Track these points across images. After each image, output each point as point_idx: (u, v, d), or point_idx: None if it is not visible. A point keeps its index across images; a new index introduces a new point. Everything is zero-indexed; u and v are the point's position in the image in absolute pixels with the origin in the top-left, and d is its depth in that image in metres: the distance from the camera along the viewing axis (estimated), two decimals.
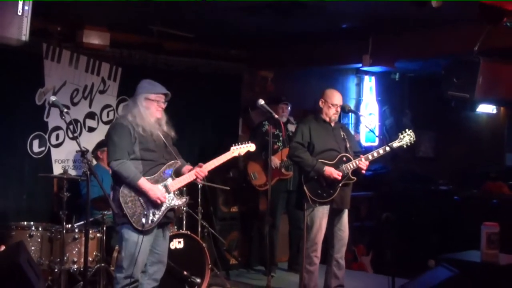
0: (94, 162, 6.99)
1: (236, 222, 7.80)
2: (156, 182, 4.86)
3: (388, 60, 7.29)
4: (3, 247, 5.82)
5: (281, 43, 7.85)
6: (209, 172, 6.95)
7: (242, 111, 8.58)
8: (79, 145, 4.42)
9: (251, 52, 8.34)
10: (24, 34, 3.44)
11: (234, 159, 8.24)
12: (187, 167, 5.12)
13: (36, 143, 6.80)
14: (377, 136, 6.42)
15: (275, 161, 7.35)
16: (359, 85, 9.76)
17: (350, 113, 6.32)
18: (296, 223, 7.53)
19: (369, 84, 9.75)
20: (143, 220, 4.76)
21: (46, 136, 6.87)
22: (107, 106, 7.35)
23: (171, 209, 4.95)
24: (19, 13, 3.40)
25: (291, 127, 7.56)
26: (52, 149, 6.91)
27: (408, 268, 7.96)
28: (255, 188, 7.59)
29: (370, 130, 5.96)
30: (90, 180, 6.23)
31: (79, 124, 7.09)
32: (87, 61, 7.15)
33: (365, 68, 7.90)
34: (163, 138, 4.96)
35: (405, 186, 9.73)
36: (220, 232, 7.19)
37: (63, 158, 6.98)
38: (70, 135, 6.98)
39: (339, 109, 6.03)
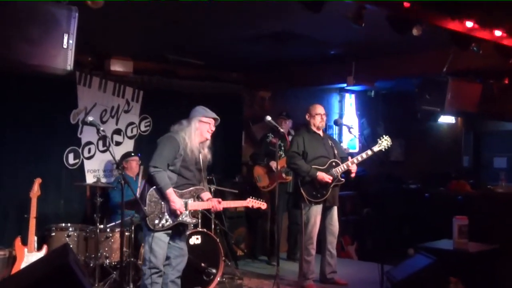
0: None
1: (242, 219, 7.69)
2: (181, 196, 4.77)
3: (369, 80, 7.22)
4: (45, 247, 5.72)
5: (276, 67, 7.75)
6: (218, 177, 6.95)
7: (244, 126, 8.48)
8: (114, 158, 4.31)
9: (250, 75, 8.24)
10: (69, 64, 3.32)
11: (241, 164, 8.34)
12: (206, 193, 5.04)
13: (71, 156, 6.67)
14: (359, 143, 6.37)
15: (274, 164, 7.30)
16: (341, 101, 9.69)
17: (340, 125, 6.22)
18: (294, 220, 7.46)
19: (350, 100, 9.68)
20: (156, 221, 4.68)
21: (80, 150, 6.74)
22: (131, 123, 7.23)
23: (181, 224, 4.85)
24: (65, 46, 3.28)
25: (287, 139, 7.48)
26: (85, 161, 6.78)
27: (386, 255, 7.92)
28: (259, 189, 7.50)
29: (355, 137, 5.88)
30: (115, 188, 6.26)
31: (107, 139, 6.91)
32: (114, 86, 7.02)
33: (349, 87, 7.81)
34: (201, 161, 4.85)
35: (381, 186, 9.67)
36: (228, 228, 7.06)
37: (94, 169, 6.85)
38: (101, 149, 6.88)
39: (324, 117, 6.02)
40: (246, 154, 8.34)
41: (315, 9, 3.51)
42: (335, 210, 6.08)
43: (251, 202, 5.21)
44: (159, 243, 4.71)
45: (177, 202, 4.70)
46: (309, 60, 7.21)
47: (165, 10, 4.91)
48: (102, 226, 5.91)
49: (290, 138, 7.51)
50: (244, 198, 7.46)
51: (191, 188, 4.86)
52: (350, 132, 6.06)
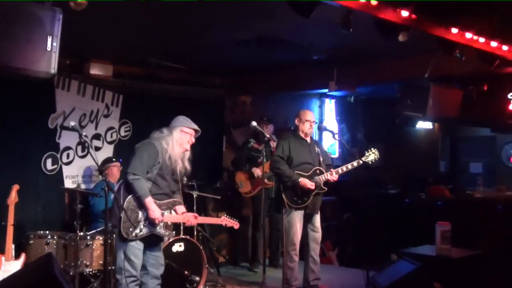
0: (100, 177, 6.73)
1: (223, 226, 7.56)
2: (158, 207, 4.65)
3: (350, 86, 7.21)
4: (23, 255, 5.55)
5: (258, 72, 7.70)
6: (200, 183, 6.85)
7: (225, 131, 8.40)
8: (96, 162, 4.22)
9: (232, 80, 8.17)
10: (53, 67, 3.21)
11: (222, 170, 8.25)
12: (181, 207, 4.91)
13: (49, 161, 6.51)
14: (348, 149, 6.28)
15: (257, 171, 7.23)
16: (321, 107, 9.67)
17: (324, 131, 6.19)
18: (275, 225, 7.41)
19: (330, 106, 9.68)
20: (130, 229, 4.54)
21: (58, 155, 6.57)
22: (110, 128, 7.09)
23: (155, 235, 4.73)
24: (48, 49, 3.16)
25: (273, 144, 7.41)
26: (64, 166, 6.62)
27: (368, 260, 7.92)
28: (240, 195, 7.43)
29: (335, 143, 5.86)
30: (100, 195, 6.10)
31: (86, 144, 6.77)
32: (93, 90, 6.88)
33: (331, 93, 7.79)
34: (178, 173, 4.75)
35: (360, 191, 9.66)
36: (210, 234, 6.94)
37: (73, 174, 6.69)
38: (80, 154, 6.74)
39: (313, 124, 5.94)
40: (227, 159, 8.26)
41: (305, 13, 3.46)
42: (317, 216, 6.03)
43: (225, 221, 5.13)
44: (134, 251, 4.59)
45: (156, 211, 4.59)
46: (291, 65, 7.18)
47: (147, 13, 4.82)
48: (82, 233, 5.75)
49: (272, 143, 7.48)
50: (225, 202, 7.54)
51: (168, 200, 4.77)
52: (334, 138, 6.02)
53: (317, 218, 6.02)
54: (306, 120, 5.91)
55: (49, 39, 3.15)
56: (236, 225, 5.11)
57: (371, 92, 9.58)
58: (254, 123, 5.52)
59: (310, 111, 6.06)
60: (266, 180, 7.24)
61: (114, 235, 5.63)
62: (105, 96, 6.99)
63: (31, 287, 2.60)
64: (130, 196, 4.55)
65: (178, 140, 4.73)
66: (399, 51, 6.34)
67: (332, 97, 9.55)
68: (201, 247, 5.82)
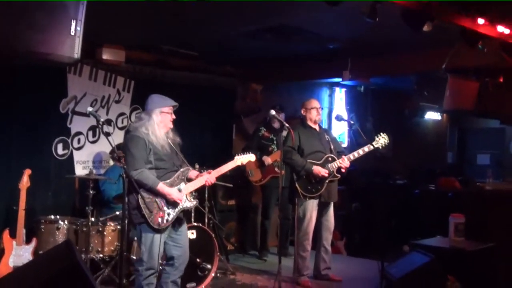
0: (112, 162, 6.70)
1: (233, 213, 7.57)
2: (171, 186, 4.58)
3: (364, 76, 7.14)
4: (34, 240, 5.53)
5: (270, 61, 7.60)
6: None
7: (236, 119, 8.34)
8: (113, 146, 4.12)
9: (244, 69, 8.09)
10: (76, 52, 3.15)
11: (232, 158, 8.18)
12: (193, 172, 4.82)
13: (60, 146, 6.44)
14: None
15: (268, 160, 7.19)
16: (331, 96, 9.61)
17: (342, 121, 6.13)
18: (285, 215, 7.36)
19: (340, 95, 9.61)
20: (159, 220, 4.47)
21: (69, 140, 6.51)
22: (121, 114, 7.02)
23: (183, 210, 4.69)
24: (72, 33, 3.10)
25: (284, 133, 7.34)
26: (74, 151, 6.56)
27: (377, 250, 7.91)
28: (250, 183, 7.39)
29: (361, 134, 5.78)
30: (114, 181, 6.07)
31: (97, 129, 6.75)
32: (105, 75, 6.80)
33: (344, 82, 7.70)
34: (173, 146, 4.68)
35: (368, 181, 9.63)
36: (219, 222, 6.92)
37: (84, 160, 6.64)
38: (91, 139, 6.69)
39: (319, 111, 5.93)
40: (236, 147, 8.19)
41: (333, 2, 3.39)
42: (331, 206, 6.01)
43: (239, 160, 4.97)
44: (157, 243, 4.52)
45: (173, 193, 4.53)
46: (304, 55, 7.09)
47: (160, 3, 4.75)
48: (93, 219, 5.72)
49: (283, 132, 7.43)
50: (235, 190, 7.47)
51: (177, 173, 4.65)
52: (351, 127, 5.97)
53: (331, 207, 6.01)
54: (312, 108, 5.89)
55: (73, 23, 3.08)
56: (252, 157, 4.99)
57: (382, 82, 9.51)
58: (272, 112, 5.46)
59: (314, 99, 6.03)
60: (276, 169, 7.22)
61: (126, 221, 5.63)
62: (116, 82, 6.92)
63: (54, 276, 2.56)
64: (140, 191, 4.42)
65: (160, 124, 4.61)
66: (415, 43, 6.28)
67: (342, 86, 9.48)
68: (213, 235, 5.79)
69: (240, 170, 7.74)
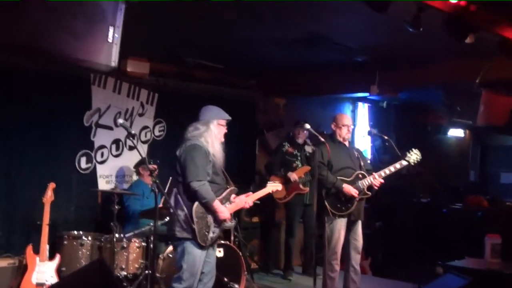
0: (135, 177, 6.55)
1: (256, 230, 7.38)
2: (221, 203, 4.43)
3: (393, 90, 6.97)
4: (58, 256, 5.37)
5: (294, 74, 7.46)
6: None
7: (259, 133, 8.18)
8: (145, 160, 3.98)
9: (266, 82, 7.95)
10: (114, 60, 3.01)
11: (255, 174, 8.04)
12: (232, 195, 4.67)
13: (83, 160, 6.32)
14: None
15: (294, 176, 7.00)
16: (354, 111, 9.45)
17: (374, 136, 5.95)
18: (310, 233, 7.15)
19: (363, 111, 9.44)
20: (206, 236, 4.32)
21: (93, 154, 6.38)
22: (145, 127, 6.90)
23: (224, 229, 4.60)
24: (110, 40, 2.96)
25: (308, 148, 7.20)
26: (98, 165, 6.43)
27: (401, 270, 7.67)
28: (273, 200, 7.18)
29: (395, 150, 5.60)
30: (136, 194, 5.91)
31: (120, 143, 6.62)
32: (129, 87, 6.70)
33: (370, 97, 7.54)
34: (220, 162, 4.54)
35: (391, 199, 9.41)
36: (243, 240, 6.73)
37: (107, 174, 6.51)
38: (114, 153, 6.56)
39: (350, 129, 5.72)
40: (259, 162, 8.03)
41: (380, 9, 3.24)
42: (359, 224, 5.80)
43: (270, 187, 5.00)
44: (199, 262, 4.35)
45: (224, 212, 4.38)
46: (330, 68, 6.94)
47: (187, 10, 4.63)
48: (117, 235, 5.54)
49: (307, 147, 7.25)
50: (259, 207, 7.26)
51: (226, 192, 4.54)
52: (385, 143, 5.78)
53: (359, 226, 5.79)
54: (343, 125, 5.68)
55: (111, 30, 2.96)
56: (279, 186, 5.04)
57: (404, 98, 9.34)
58: (307, 126, 5.28)
59: (347, 115, 5.86)
60: (301, 186, 7.04)
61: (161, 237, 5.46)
62: (140, 94, 6.81)
63: None
64: (196, 204, 4.28)
65: (217, 135, 4.48)
66: (445, 55, 6.13)
67: (365, 101, 9.33)
68: (240, 254, 5.60)
69: (262, 186, 7.59)
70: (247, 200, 4.65)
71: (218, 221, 4.39)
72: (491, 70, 5.84)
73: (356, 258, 5.83)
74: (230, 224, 4.56)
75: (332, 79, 7.23)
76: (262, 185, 7.71)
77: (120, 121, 4.05)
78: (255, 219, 7.33)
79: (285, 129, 8.14)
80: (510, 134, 7.34)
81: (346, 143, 5.82)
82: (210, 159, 4.39)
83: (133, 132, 4.00)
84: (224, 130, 4.54)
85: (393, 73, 6.73)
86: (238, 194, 4.72)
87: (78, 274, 3.19)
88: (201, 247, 4.29)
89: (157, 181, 3.91)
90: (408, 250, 8.83)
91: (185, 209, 4.26)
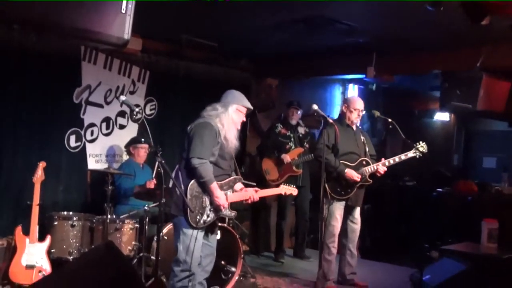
0: (126, 156, 6.35)
1: (247, 212, 7.27)
2: (220, 188, 4.29)
3: (389, 73, 6.86)
4: (49, 237, 5.17)
5: (288, 55, 7.28)
6: None
7: (250, 115, 7.99)
8: (150, 144, 3.77)
9: (260, 63, 7.77)
10: (127, 33, 2.82)
11: (245, 156, 7.88)
12: (238, 184, 4.54)
13: (73, 138, 6.09)
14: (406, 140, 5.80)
15: (287, 158, 6.88)
16: (344, 93, 9.35)
17: (376, 119, 5.85)
18: (302, 215, 7.09)
19: (353, 93, 9.34)
20: (198, 217, 4.18)
21: (82, 132, 6.15)
22: (136, 105, 6.53)
23: (220, 217, 4.44)
24: (123, 11, 2.77)
25: (301, 130, 7.09)
26: (87, 144, 6.20)
27: (388, 253, 7.65)
28: (265, 182, 7.05)
29: (401, 133, 5.53)
30: (131, 175, 5.72)
31: (111, 121, 6.40)
32: (120, 64, 6.45)
33: (361, 79, 7.41)
34: (232, 150, 4.38)
35: (379, 182, 9.37)
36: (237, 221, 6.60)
37: (97, 153, 6.29)
38: (104, 132, 6.35)
39: (360, 113, 5.62)
40: (250, 144, 7.89)
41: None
42: (357, 210, 5.75)
43: (284, 189, 4.80)
44: (196, 243, 4.22)
45: (221, 197, 4.24)
46: (326, 49, 6.79)
47: None
48: (111, 216, 5.36)
49: (300, 129, 7.13)
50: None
51: (229, 179, 4.41)
52: (389, 126, 5.68)
53: (357, 211, 5.74)
54: (355, 109, 5.58)
55: (124, 1, 2.74)
56: (295, 191, 4.81)
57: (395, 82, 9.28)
58: (315, 106, 5.13)
59: (359, 99, 5.70)
60: (294, 168, 6.92)
61: (154, 219, 5.31)
62: (131, 72, 6.57)
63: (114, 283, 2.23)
64: (192, 182, 4.16)
65: (234, 120, 4.34)
66: (439, 42, 6.05)
67: (355, 83, 9.23)
68: (238, 237, 5.47)
69: (256, 169, 7.47)
70: (254, 195, 4.49)
71: (215, 206, 4.24)
72: (491, 56, 5.79)
73: (353, 242, 5.81)
74: (228, 213, 4.42)
75: (328, 61, 7.10)
76: (253, 166, 7.70)
77: (123, 98, 3.86)
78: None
79: (276, 111, 8.01)
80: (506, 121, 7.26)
81: (354, 127, 5.72)
82: (219, 141, 4.25)
83: (136, 110, 3.80)
84: (243, 117, 4.39)
85: (390, 57, 6.62)
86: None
87: (86, 258, 3.01)
88: (191, 227, 4.15)
89: (163, 161, 3.73)
90: (396, 234, 8.84)
91: (182, 185, 4.11)
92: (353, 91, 9.33)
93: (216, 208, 4.25)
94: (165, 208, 4.36)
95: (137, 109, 3.82)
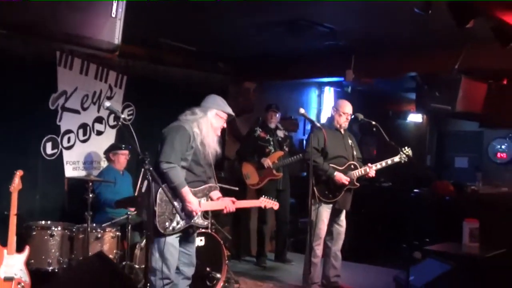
0: (104, 163, 6.21)
1: (228, 218, 7.13)
2: (194, 194, 4.20)
3: (368, 76, 6.89)
4: (27, 248, 4.99)
5: (266, 58, 7.25)
6: None
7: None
8: (138, 151, 3.66)
9: (236, 66, 7.71)
10: (117, 37, 2.73)
11: (224, 161, 7.78)
12: (216, 192, 4.47)
13: (49, 145, 5.90)
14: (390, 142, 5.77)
15: (267, 161, 6.84)
16: (320, 96, 9.37)
17: (361, 122, 5.85)
18: (283, 219, 7.06)
19: (329, 95, 9.37)
20: (167, 224, 4.08)
21: (59, 139, 5.98)
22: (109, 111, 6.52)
23: (191, 226, 4.31)
24: (113, 15, 2.68)
25: (280, 133, 7.07)
26: (64, 151, 6.03)
27: (367, 255, 7.66)
28: (245, 186, 7.00)
29: (385, 136, 5.53)
30: (112, 182, 5.59)
31: (88, 128, 6.25)
32: (96, 69, 6.29)
33: (337, 82, 7.42)
34: (211, 156, 4.29)
35: None
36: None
37: (74, 160, 6.12)
38: (81, 138, 6.19)
39: (349, 118, 5.64)
40: (229, 148, 7.80)
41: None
42: (343, 213, 5.78)
43: (264, 202, 4.72)
44: (171, 250, 4.13)
45: (193, 203, 4.15)
46: (306, 52, 6.79)
47: None
48: (89, 225, 5.21)
49: (279, 132, 7.11)
50: (230, 194, 7.04)
51: (204, 186, 4.33)
52: (373, 129, 5.68)
53: (343, 214, 5.77)
54: (344, 113, 5.62)
55: (114, 3, 2.67)
56: (275, 205, 4.74)
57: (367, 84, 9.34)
58: (302, 110, 5.10)
59: (348, 103, 5.73)
60: (274, 171, 6.89)
61: (137, 227, 5.21)
62: (108, 77, 6.43)
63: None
64: (163, 186, 4.02)
65: (213, 125, 4.27)
66: (418, 44, 6.10)
67: (331, 85, 9.26)
68: (222, 242, 5.40)
69: (236, 173, 7.40)
70: (230, 205, 4.38)
71: (186, 212, 4.14)
72: (469, 57, 5.86)
73: (338, 244, 5.81)
74: (201, 222, 4.32)
75: (307, 64, 7.08)
76: (233, 171, 7.62)
77: (107, 103, 3.72)
78: None
79: (254, 114, 7.96)
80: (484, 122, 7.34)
81: (342, 131, 5.74)
82: (193, 146, 4.16)
83: (122, 116, 3.71)
84: (223, 123, 4.33)
85: (368, 60, 6.64)
86: None
87: (78, 268, 2.90)
88: (158, 233, 4.04)
89: (151, 168, 3.64)
90: (374, 235, 8.87)
91: (155, 189, 3.98)
92: (329, 93, 9.36)
93: (188, 214, 4.14)
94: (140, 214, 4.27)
95: (123, 115, 3.70)
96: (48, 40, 2.69)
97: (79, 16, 2.53)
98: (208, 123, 4.26)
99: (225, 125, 4.44)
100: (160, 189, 4.02)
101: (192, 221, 4.24)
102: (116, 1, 2.66)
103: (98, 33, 2.62)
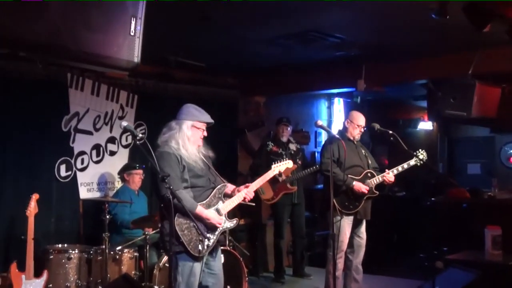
0: (118, 184, 6.17)
1: (243, 233, 7.10)
2: (208, 206, 4.06)
3: (380, 84, 6.84)
4: (46, 272, 4.94)
5: (275, 71, 7.21)
6: None
7: (240, 134, 7.89)
8: (156, 170, 3.60)
9: (246, 79, 7.68)
10: (136, 56, 2.69)
11: (237, 176, 7.72)
12: (230, 186, 4.30)
13: (63, 167, 5.88)
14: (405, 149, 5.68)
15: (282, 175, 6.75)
16: (330, 107, 9.32)
17: (377, 132, 5.77)
18: (299, 233, 6.97)
19: (338, 107, 9.32)
20: (200, 246, 3.94)
21: (72, 161, 5.95)
22: (125, 131, 6.49)
23: (223, 232, 4.21)
24: (132, 34, 2.63)
25: (292, 146, 6.99)
26: (78, 173, 5.99)
27: (384, 266, 7.54)
28: (259, 201, 6.92)
29: (403, 145, 5.45)
30: (129, 202, 5.53)
31: (101, 148, 6.21)
32: (107, 89, 6.28)
33: (346, 92, 7.39)
34: (206, 161, 4.19)
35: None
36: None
37: (88, 181, 6.08)
38: (95, 159, 6.15)
39: (362, 131, 5.58)
40: (242, 163, 7.76)
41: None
42: (364, 223, 5.66)
43: (277, 168, 4.45)
44: (196, 273, 4.01)
45: (212, 217, 4.02)
46: (317, 64, 6.75)
47: (170, 7, 4.35)
48: (103, 246, 5.15)
49: (291, 145, 7.04)
50: (245, 209, 7.00)
51: (214, 191, 4.13)
52: (391, 138, 5.60)
53: (364, 225, 5.65)
54: (358, 125, 5.59)
55: (133, 22, 2.63)
56: (289, 163, 4.49)
57: (377, 93, 9.29)
58: (320, 122, 5.01)
59: (362, 115, 5.67)
60: (288, 185, 6.81)
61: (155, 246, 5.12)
62: (119, 96, 6.41)
63: None
64: (176, 217, 3.87)
65: (190, 138, 4.08)
66: (432, 48, 6.05)
67: (340, 96, 9.22)
68: (241, 259, 5.31)
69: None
70: (247, 192, 4.20)
71: (210, 227, 4.04)
72: (482, 62, 5.80)
73: (359, 256, 5.70)
74: (229, 224, 4.17)
75: (317, 76, 7.04)
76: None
77: (124, 123, 3.68)
78: (241, 222, 7.00)
79: (265, 128, 7.92)
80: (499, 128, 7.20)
81: (355, 142, 5.69)
82: (184, 164, 4.02)
83: (139, 135, 3.64)
84: (200, 133, 4.12)
85: (379, 68, 6.60)
86: None
87: None
88: (195, 258, 3.93)
89: (172, 186, 3.56)
90: (391, 245, 8.77)
91: (171, 223, 3.80)
92: (338, 104, 9.31)
93: (213, 228, 4.05)
94: (161, 241, 4.13)
95: (140, 135, 3.64)
96: (66, 60, 2.60)
97: (96, 34, 2.49)
98: (184, 136, 4.07)
99: (205, 134, 4.25)
100: (176, 220, 3.86)
101: (220, 228, 4.11)
102: (134, 19, 2.61)
103: (116, 52, 2.58)
